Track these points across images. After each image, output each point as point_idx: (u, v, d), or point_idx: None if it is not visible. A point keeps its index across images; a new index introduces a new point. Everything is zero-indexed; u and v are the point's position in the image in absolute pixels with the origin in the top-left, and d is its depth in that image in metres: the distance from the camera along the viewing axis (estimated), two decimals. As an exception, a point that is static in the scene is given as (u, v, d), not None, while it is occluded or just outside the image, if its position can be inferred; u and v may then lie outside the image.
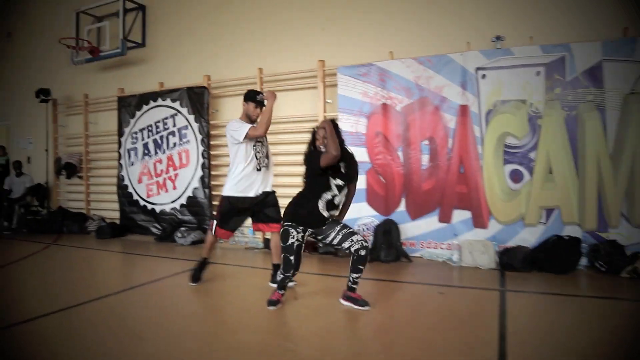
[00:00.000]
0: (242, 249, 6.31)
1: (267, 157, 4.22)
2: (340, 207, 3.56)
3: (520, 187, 5.03)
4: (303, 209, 3.41)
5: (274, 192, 4.24)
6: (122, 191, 7.76)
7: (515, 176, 5.05)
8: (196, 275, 4.27)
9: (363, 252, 3.40)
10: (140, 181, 7.53)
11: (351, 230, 3.51)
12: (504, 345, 2.71)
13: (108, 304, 3.73)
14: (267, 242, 6.10)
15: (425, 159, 5.43)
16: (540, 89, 4.91)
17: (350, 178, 3.53)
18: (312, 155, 3.40)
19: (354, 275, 3.47)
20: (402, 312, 3.50)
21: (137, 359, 2.63)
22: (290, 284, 4.18)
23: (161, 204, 7.31)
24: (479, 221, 5.19)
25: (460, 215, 5.27)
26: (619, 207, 4.68)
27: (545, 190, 4.93)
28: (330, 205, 3.42)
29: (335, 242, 3.48)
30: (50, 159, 9.01)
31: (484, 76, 5.11)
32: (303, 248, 3.48)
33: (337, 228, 3.49)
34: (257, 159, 4.12)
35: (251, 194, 4.09)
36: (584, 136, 4.79)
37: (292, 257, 3.39)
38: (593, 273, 4.54)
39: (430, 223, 5.40)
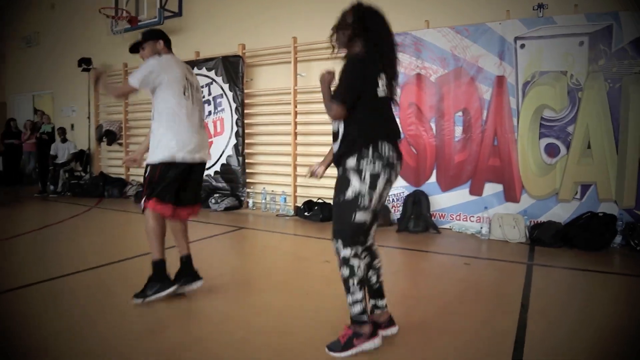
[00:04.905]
0: (274, 216, 6.44)
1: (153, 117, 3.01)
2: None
3: (556, 162, 4.90)
4: None
5: (147, 165, 2.94)
6: (160, 158, 7.96)
7: (551, 150, 4.92)
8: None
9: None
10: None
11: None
12: (524, 316, 2.72)
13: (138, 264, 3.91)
14: (297, 210, 6.20)
15: (458, 131, 5.35)
16: (582, 60, 4.71)
17: None
18: None
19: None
20: (426, 280, 3.53)
21: (167, 319, 2.79)
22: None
23: (196, 171, 7.49)
24: (510, 195, 5.11)
25: (491, 189, 5.21)
26: (660, 184, 4.52)
27: (581, 165, 4.79)
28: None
29: None
30: (92, 126, 9.36)
31: (522, 46, 4.95)
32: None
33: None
34: None
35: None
36: (627, 110, 4.60)
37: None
38: (627, 251, 4.42)
39: (460, 195, 5.36)
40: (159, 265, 2.93)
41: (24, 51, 11.26)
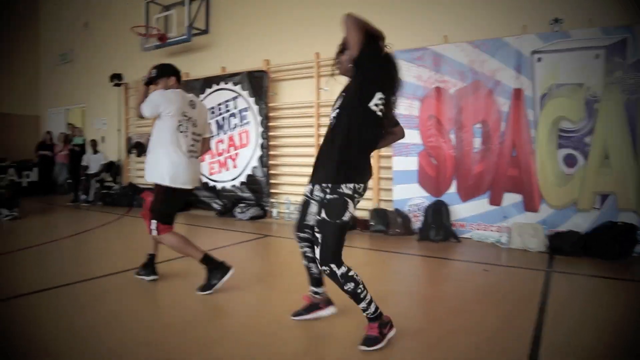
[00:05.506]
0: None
1: None
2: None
3: (574, 172, 5.00)
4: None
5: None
6: (187, 169, 8.28)
7: (570, 161, 5.02)
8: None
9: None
10: (203, 160, 8.02)
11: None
12: (542, 318, 2.84)
13: (173, 266, 4.14)
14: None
15: (477, 142, 5.49)
16: (598, 72, 4.83)
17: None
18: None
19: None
20: (446, 283, 3.67)
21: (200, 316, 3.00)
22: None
23: (222, 182, 7.79)
24: (530, 205, 5.22)
25: (511, 199, 5.32)
26: (678, 193, 4.59)
27: (600, 175, 4.88)
28: None
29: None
30: (122, 138, 9.76)
31: (539, 59, 5.09)
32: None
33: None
34: None
35: None
36: (644, 121, 4.70)
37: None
38: (648, 260, 4.50)
39: (480, 205, 5.48)
40: (207, 259, 3.31)
41: (59, 67, 11.83)
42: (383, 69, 2.33)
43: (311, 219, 2.54)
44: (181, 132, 3.27)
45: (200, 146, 3.49)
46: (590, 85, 4.86)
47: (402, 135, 2.65)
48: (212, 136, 3.69)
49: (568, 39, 4.92)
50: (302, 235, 2.63)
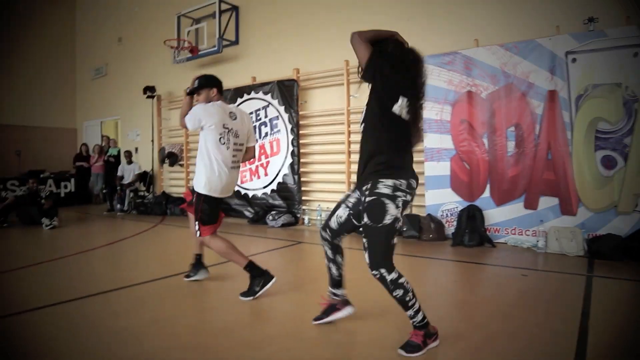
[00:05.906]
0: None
1: None
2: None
3: (613, 174, 4.87)
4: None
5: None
6: (218, 178, 8.43)
7: (608, 162, 4.90)
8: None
9: None
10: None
11: None
12: (586, 323, 2.78)
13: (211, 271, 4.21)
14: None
15: (511, 146, 5.42)
16: (637, 71, 4.70)
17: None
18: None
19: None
20: (483, 288, 3.62)
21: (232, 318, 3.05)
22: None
23: (254, 189, 7.89)
24: (566, 208, 5.10)
25: (547, 202, 5.21)
26: None
27: (641, 177, 4.75)
28: None
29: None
30: (155, 149, 9.99)
31: (574, 60, 5.00)
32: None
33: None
34: None
35: None
36: (686, 120, 4.56)
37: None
38: (694, 263, 4.34)
39: (515, 209, 5.39)
40: (251, 266, 3.39)
41: (94, 81, 12.25)
42: (401, 73, 2.32)
43: (334, 222, 2.58)
44: (222, 144, 3.36)
45: (243, 155, 3.57)
46: (629, 85, 4.74)
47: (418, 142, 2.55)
48: (255, 145, 3.77)
49: (604, 37, 4.81)
50: (324, 234, 2.65)
